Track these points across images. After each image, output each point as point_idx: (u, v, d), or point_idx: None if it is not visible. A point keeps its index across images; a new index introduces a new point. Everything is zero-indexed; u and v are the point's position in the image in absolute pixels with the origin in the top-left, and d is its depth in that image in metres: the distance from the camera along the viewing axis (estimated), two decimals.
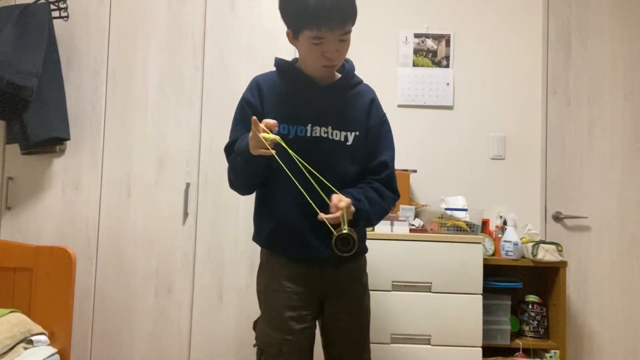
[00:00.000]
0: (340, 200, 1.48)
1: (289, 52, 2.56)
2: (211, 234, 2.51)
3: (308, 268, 1.63)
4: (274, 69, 1.69)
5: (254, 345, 1.69)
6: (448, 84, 2.85)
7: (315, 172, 1.49)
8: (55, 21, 2.46)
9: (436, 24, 2.88)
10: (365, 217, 1.58)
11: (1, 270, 2.20)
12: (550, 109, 2.85)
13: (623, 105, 2.85)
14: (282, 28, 2.67)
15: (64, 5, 2.49)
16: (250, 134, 1.45)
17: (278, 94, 1.61)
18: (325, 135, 1.60)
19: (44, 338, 2.02)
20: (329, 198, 1.50)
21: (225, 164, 2.51)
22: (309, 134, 1.58)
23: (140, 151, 2.53)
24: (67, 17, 2.50)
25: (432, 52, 2.87)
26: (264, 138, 1.41)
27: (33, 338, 1.98)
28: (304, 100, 1.60)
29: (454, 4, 2.89)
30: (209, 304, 2.49)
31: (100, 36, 2.55)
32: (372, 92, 1.73)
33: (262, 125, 1.42)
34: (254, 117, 1.43)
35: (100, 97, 2.54)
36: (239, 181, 1.62)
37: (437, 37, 2.87)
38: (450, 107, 2.86)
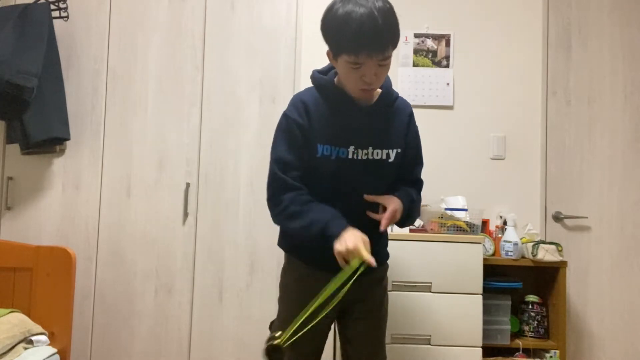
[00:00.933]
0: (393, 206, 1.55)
1: (289, 53, 2.56)
2: (211, 234, 2.51)
3: (333, 274, 1.64)
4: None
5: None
6: (448, 84, 2.85)
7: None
8: (55, 21, 2.46)
9: (436, 24, 2.88)
10: (412, 216, 1.70)
11: (1, 270, 2.20)
12: (550, 109, 2.85)
13: (623, 105, 2.85)
14: (282, 28, 2.68)
15: (64, 5, 2.49)
16: (347, 248, 1.42)
17: (323, 114, 1.58)
18: (366, 157, 1.59)
19: (44, 338, 2.02)
20: (365, 219, 1.56)
21: (225, 164, 2.52)
22: (350, 156, 1.57)
23: (140, 151, 2.53)
24: (67, 17, 2.50)
25: (432, 52, 2.87)
26: (350, 265, 1.41)
27: (33, 338, 1.98)
28: (346, 121, 1.58)
29: (454, 4, 2.89)
30: (209, 304, 2.49)
31: (100, 36, 2.55)
32: (409, 105, 1.71)
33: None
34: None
35: (100, 97, 2.54)
36: (296, 235, 1.61)
37: (437, 37, 2.87)
38: (450, 107, 2.86)
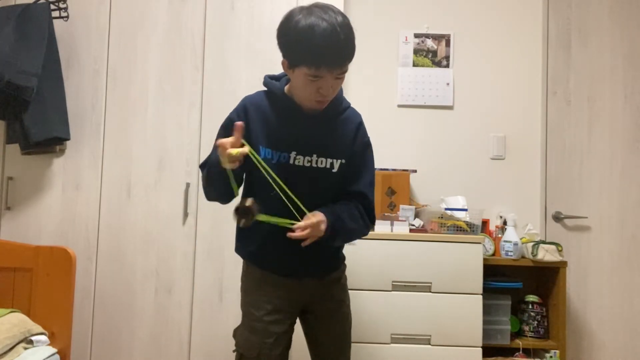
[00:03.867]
0: (311, 218, 1.48)
1: None
2: (211, 234, 2.51)
3: (289, 279, 1.67)
4: (276, 70, 1.69)
5: (234, 351, 1.72)
6: (448, 84, 2.85)
7: (288, 192, 1.51)
8: (55, 21, 2.46)
9: (436, 24, 2.88)
10: (342, 234, 1.60)
11: (1, 270, 2.20)
12: (550, 109, 2.85)
13: (623, 105, 2.85)
14: None
15: (64, 5, 2.49)
16: (219, 150, 1.43)
17: (264, 118, 1.60)
18: (309, 165, 1.60)
19: (44, 338, 2.02)
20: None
21: None
22: (291, 162, 1.58)
23: (140, 151, 2.53)
24: (67, 17, 2.50)
25: (432, 52, 2.87)
26: (229, 154, 1.40)
27: (33, 338, 1.98)
28: (290, 127, 1.59)
29: (454, 4, 2.89)
30: (209, 304, 2.49)
31: (100, 36, 2.55)
32: (359, 116, 1.71)
33: (231, 140, 1.42)
34: (238, 123, 1.43)
35: (100, 97, 2.54)
36: (217, 192, 1.62)
37: (437, 37, 2.87)
38: (450, 107, 2.86)
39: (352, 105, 1.72)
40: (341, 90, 1.66)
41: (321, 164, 1.61)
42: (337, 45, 1.43)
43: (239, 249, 1.76)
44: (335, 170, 1.62)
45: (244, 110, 1.62)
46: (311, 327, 1.76)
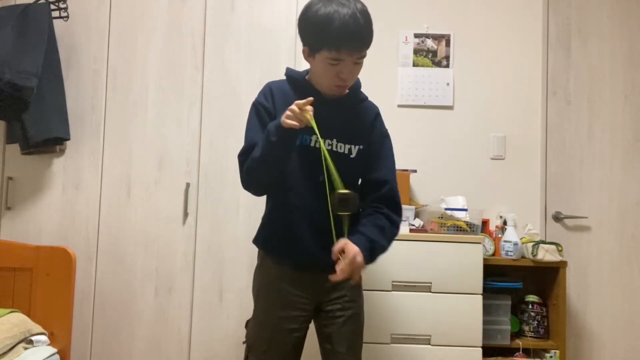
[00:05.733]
0: (348, 253, 1.48)
1: (289, 52, 2.56)
2: (211, 234, 2.51)
3: (304, 274, 1.68)
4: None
5: (244, 342, 1.75)
6: (448, 84, 2.85)
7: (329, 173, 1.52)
8: (55, 21, 2.46)
9: (436, 24, 2.88)
10: (381, 252, 1.62)
11: (1, 270, 2.20)
12: (550, 109, 2.85)
13: (623, 105, 2.85)
14: (282, 28, 2.68)
15: (64, 5, 2.49)
16: (290, 108, 1.47)
17: (287, 101, 1.61)
18: (329, 148, 1.63)
19: (44, 338, 2.02)
20: (326, 209, 1.57)
21: (225, 164, 2.52)
22: (312, 144, 1.62)
23: (140, 151, 2.53)
24: (67, 17, 2.50)
25: (432, 52, 2.87)
26: (304, 115, 1.45)
27: (33, 338, 1.98)
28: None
29: (454, 4, 2.89)
30: (209, 304, 2.49)
31: (100, 36, 2.55)
32: (377, 108, 1.78)
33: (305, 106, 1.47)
34: (310, 98, 1.47)
35: (100, 97, 2.54)
36: (265, 172, 1.60)
37: (437, 37, 2.87)
38: (450, 107, 2.86)
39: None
40: (359, 84, 1.73)
41: (340, 149, 1.65)
42: (357, 29, 1.51)
43: (257, 238, 1.76)
44: (353, 155, 1.67)
45: (270, 91, 1.68)
46: (324, 325, 1.74)
